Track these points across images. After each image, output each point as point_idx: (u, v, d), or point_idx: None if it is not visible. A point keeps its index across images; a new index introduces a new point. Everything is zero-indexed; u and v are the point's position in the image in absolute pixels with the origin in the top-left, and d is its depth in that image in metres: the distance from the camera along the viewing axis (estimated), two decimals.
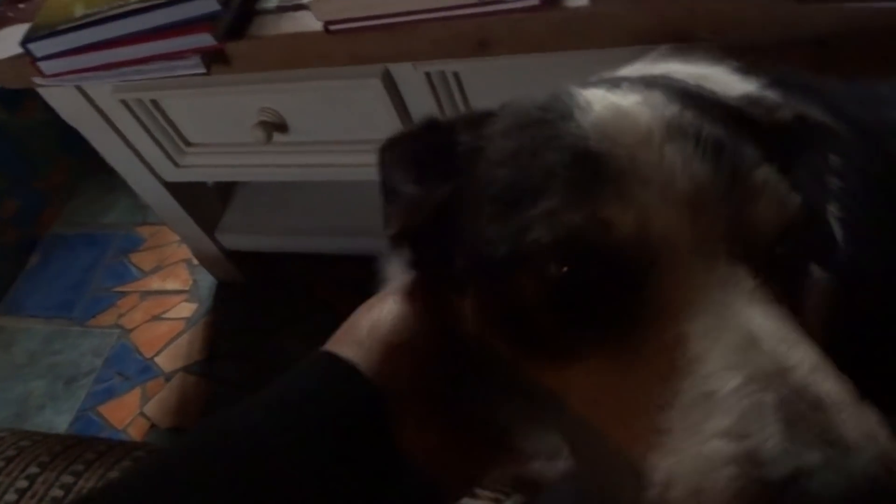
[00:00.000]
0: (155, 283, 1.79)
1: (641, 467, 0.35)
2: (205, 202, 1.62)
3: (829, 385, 0.33)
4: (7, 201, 1.95)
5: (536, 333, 0.40)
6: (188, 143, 1.38)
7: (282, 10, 1.06)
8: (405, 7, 0.95)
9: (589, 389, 0.39)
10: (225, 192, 1.68)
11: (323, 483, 0.41)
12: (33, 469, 0.86)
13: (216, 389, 1.56)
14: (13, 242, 1.95)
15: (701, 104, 0.43)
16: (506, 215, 0.41)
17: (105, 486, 0.42)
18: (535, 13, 0.91)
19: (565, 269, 0.38)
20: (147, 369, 1.65)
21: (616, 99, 0.42)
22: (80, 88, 1.28)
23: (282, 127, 1.25)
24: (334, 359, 0.45)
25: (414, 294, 0.48)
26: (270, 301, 1.65)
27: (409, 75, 1.09)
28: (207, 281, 1.74)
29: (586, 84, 0.46)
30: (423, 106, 1.13)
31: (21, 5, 1.22)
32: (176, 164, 1.41)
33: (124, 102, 1.29)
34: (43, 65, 1.14)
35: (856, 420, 0.32)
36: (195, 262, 1.75)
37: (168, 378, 1.62)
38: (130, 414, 1.59)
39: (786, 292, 0.38)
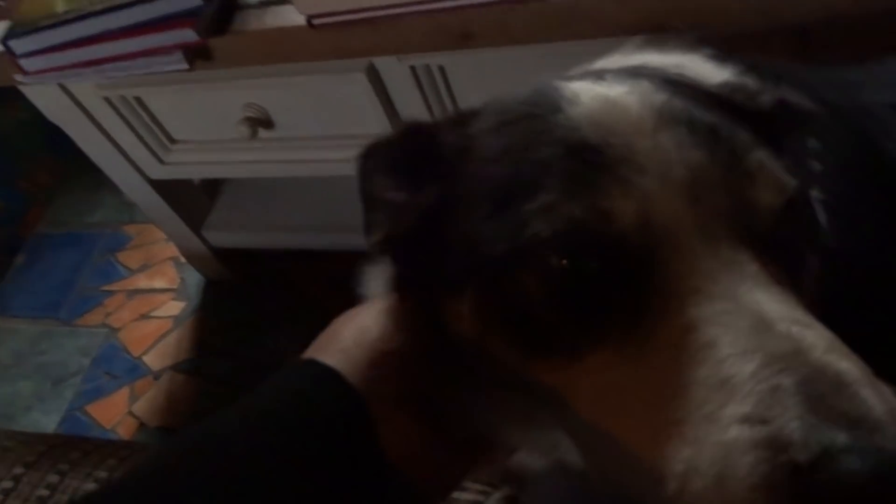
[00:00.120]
0: (142, 282, 1.78)
1: (658, 461, 0.34)
2: (191, 199, 1.61)
3: (846, 364, 0.33)
4: None
5: (540, 331, 0.40)
6: (173, 140, 1.37)
7: (264, 4, 1.06)
8: (388, 0, 0.95)
9: (597, 385, 0.38)
10: (211, 189, 1.67)
11: (307, 490, 0.41)
12: (18, 469, 0.85)
13: (205, 387, 1.56)
14: None
15: (687, 91, 0.43)
16: (502, 212, 0.40)
17: (83, 498, 0.42)
18: (517, 5, 0.91)
19: (567, 262, 0.38)
20: (135, 368, 1.64)
21: (604, 90, 0.42)
22: (62, 86, 1.27)
23: (267, 123, 1.24)
24: (317, 366, 0.45)
25: (399, 301, 0.47)
26: (258, 298, 1.64)
27: (394, 69, 1.09)
28: (195, 279, 1.73)
29: (567, 78, 0.46)
30: (408, 100, 1.13)
31: (1, 2, 1.21)
32: (161, 162, 1.40)
33: (108, 100, 1.28)
34: (24, 62, 1.13)
35: (877, 397, 0.32)
36: (182, 259, 1.74)
37: (156, 377, 1.61)
38: (119, 413, 1.58)
39: (787, 274, 0.38)
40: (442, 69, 1.08)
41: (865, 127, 0.56)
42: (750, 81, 0.47)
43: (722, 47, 0.51)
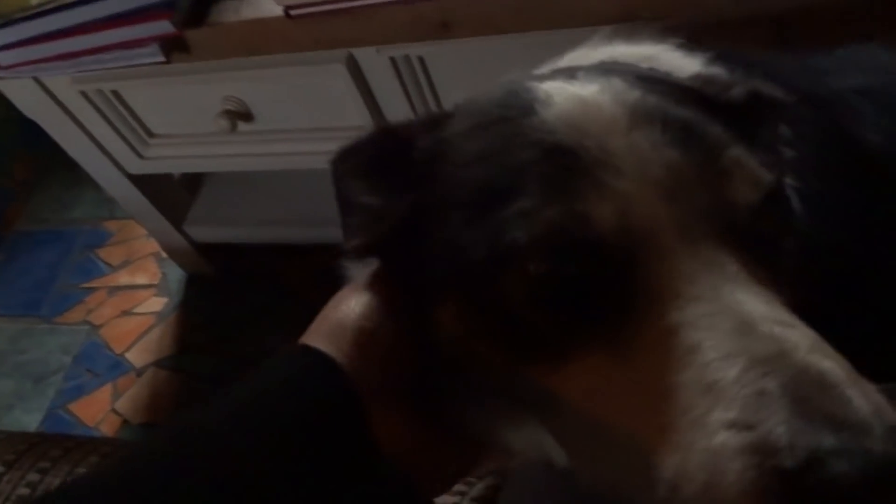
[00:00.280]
0: (123, 278, 1.77)
1: (648, 463, 0.34)
2: (171, 194, 1.59)
3: (829, 363, 0.33)
4: None
5: (524, 337, 0.39)
6: (152, 135, 1.36)
7: None
8: None
9: (585, 388, 0.38)
10: (192, 183, 1.66)
11: (297, 477, 0.40)
12: None
13: (188, 383, 1.55)
14: None
15: (660, 88, 0.42)
16: (479, 218, 0.40)
17: (67, 485, 0.41)
18: None
19: (547, 267, 0.37)
20: (118, 365, 1.63)
21: (576, 90, 0.42)
22: (37, 80, 1.25)
23: (247, 116, 1.23)
24: (308, 351, 0.44)
25: (381, 286, 0.47)
26: (241, 293, 1.63)
27: (374, 60, 1.08)
28: (177, 274, 1.72)
29: (538, 77, 0.46)
30: (388, 91, 1.12)
31: None
32: (140, 156, 1.39)
33: (84, 94, 1.27)
34: None
35: (863, 397, 0.32)
36: (164, 255, 1.73)
37: (139, 373, 1.60)
38: (102, 411, 1.57)
39: (767, 270, 0.38)
40: (422, 60, 1.07)
41: (835, 113, 0.57)
42: (721, 73, 0.47)
43: (695, 37, 0.51)
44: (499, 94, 0.45)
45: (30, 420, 1.59)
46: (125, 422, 1.54)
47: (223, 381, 0.43)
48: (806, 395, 0.31)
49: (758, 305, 0.35)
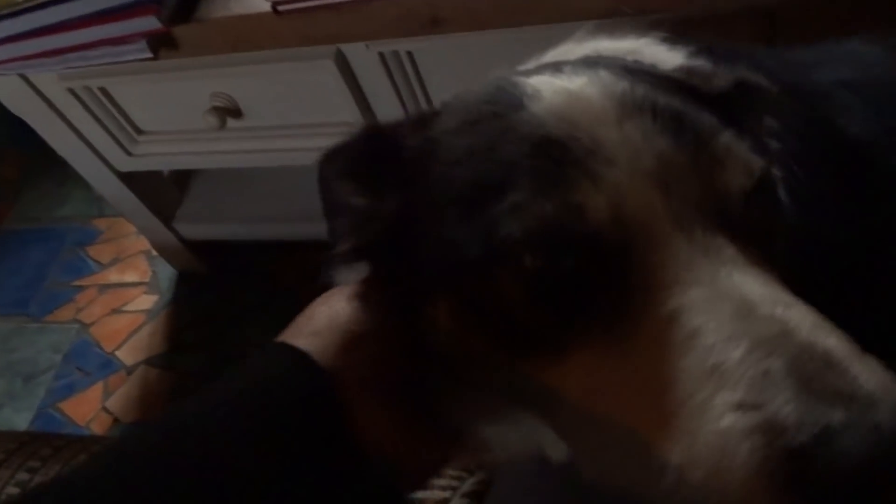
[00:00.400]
0: (113, 276, 1.76)
1: (653, 454, 0.34)
2: (161, 191, 1.59)
3: (833, 341, 0.33)
4: None
5: (521, 333, 0.39)
6: (140, 132, 1.35)
7: None
8: None
9: (585, 382, 0.38)
10: (181, 180, 1.65)
11: (279, 474, 0.40)
12: None
13: (179, 381, 1.54)
14: None
15: (647, 78, 0.42)
16: (472, 215, 0.39)
17: (50, 483, 0.41)
18: None
19: (542, 261, 0.37)
20: (108, 363, 1.62)
21: (563, 83, 0.42)
22: (24, 77, 1.24)
23: (236, 112, 1.23)
24: (289, 349, 0.44)
25: (371, 287, 0.47)
26: (231, 290, 1.63)
27: (363, 56, 1.08)
28: (167, 272, 1.71)
29: (523, 72, 0.46)
30: (377, 87, 1.12)
31: None
32: (128, 154, 1.38)
33: (72, 91, 1.26)
34: None
35: (868, 372, 0.32)
36: (154, 253, 1.72)
37: (130, 371, 1.59)
38: (92, 409, 1.56)
39: (762, 255, 0.38)
40: (411, 55, 1.07)
41: (819, 105, 0.57)
42: (705, 64, 0.47)
43: (680, 30, 0.52)
44: (486, 91, 0.44)
45: (20, 419, 1.58)
46: (116, 420, 1.53)
47: (214, 379, 0.43)
48: (811, 373, 0.31)
49: (757, 287, 0.35)
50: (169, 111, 1.28)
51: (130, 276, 1.75)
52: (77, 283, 1.77)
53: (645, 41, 0.51)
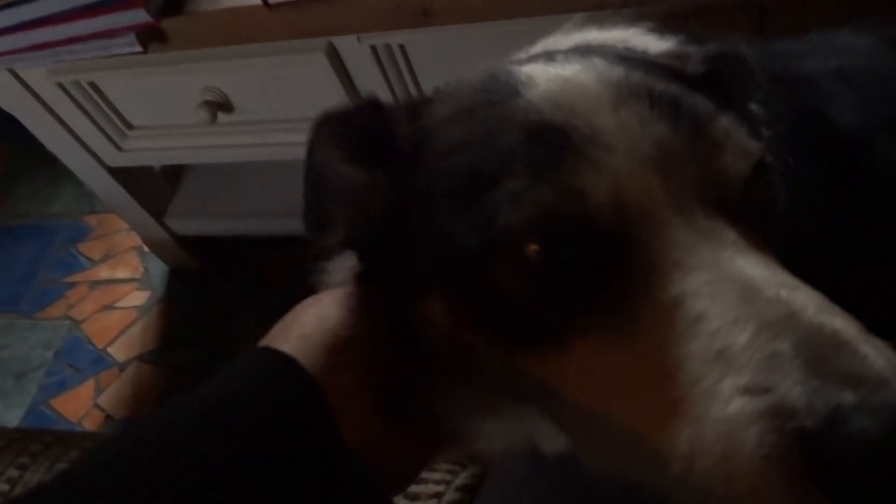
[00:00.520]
0: (105, 273, 1.75)
1: (660, 443, 0.33)
2: (152, 187, 1.58)
3: (840, 322, 0.32)
4: None
5: (522, 324, 0.38)
6: (130, 127, 1.34)
7: None
8: None
9: (588, 373, 0.37)
10: (173, 175, 1.64)
11: (266, 481, 0.39)
12: None
13: (171, 377, 1.54)
14: None
15: (640, 65, 0.42)
16: (468, 205, 0.39)
17: (32, 491, 0.40)
18: None
19: (543, 248, 0.37)
20: (100, 360, 1.61)
21: (558, 70, 0.41)
22: (12, 72, 1.23)
23: (227, 106, 1.22)
24: (272, 354, 0.43)
25: (360, 288, 0.46)
26: (223, 286, 1.62)
27: (355, 49, 1.07)
28: (159, 268, 1.71)
29: (516, 62, 0.45)
30: (369, 80, 1.12)
31: None
32: (119, 149, 1.37)
33: (61, 85, 1.25)
34: None
35: (876, 352, 0.31)
36: (145, 249, 1.71)
37: (122, 368, 1.58)
38: (84, 406, 1.55)
39: (762, 239, 0.38)
40: (403, 48, 1.06)
41: (808, 94, 0.57)
42: (689, 48, 0.47)
43: (669, 22, 0.51)
44: (479, 79, 0.44)
45: (11, 416, 1.58)
46: (108, 417, 1.52)
47: (206, 375, 0.42)
48: (819, 354, 0.31)
49: (760, 270, 0.34)
50: (159, 106, 1.27)
51: (122, 273, 1.74)
52: (68, 279, 1.77)
53: (633, 31, 0.51)
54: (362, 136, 0.45)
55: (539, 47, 0.53)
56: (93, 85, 1.26)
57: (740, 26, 0.90)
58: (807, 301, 0.33)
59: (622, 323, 0.36)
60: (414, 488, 0.72)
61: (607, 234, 0.36)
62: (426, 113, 0.44)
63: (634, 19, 0.52)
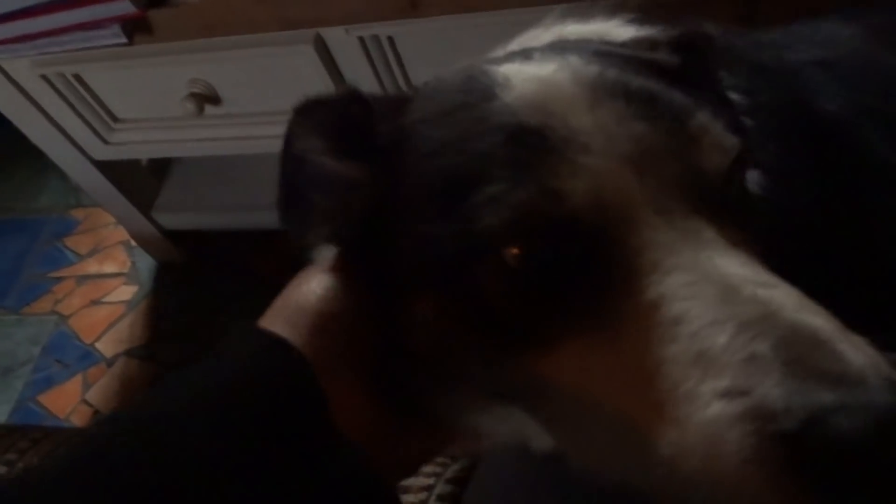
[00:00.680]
0: (92, 267, 1.74)
1: (645, 445, 0.33)
2: (139, 180, 1.57)
3: (818, 320, 0.32)
4: None
5: (507, 326, 0.38)
6: (116, 119, 1.33)
7: None
8: None
9: (574, 371, 0.37)
10: (160, 169, 1.63)
11: (255, 462, 0.39)
12: None
13: (159, 372, 1.53)
14: None
15: (616, 61, 0.42)
16: (448, 209, 0.39)
17: (18, 476, 0.39)
18: None
19: (523, 251, 0.37)
20: (87, 355, 1.60)
21: (534, 70, 0.41)
22: None
23: (214, 99, 1.21)
24: (263, 334, 0.43)
25: (343, 270, 0.46)
26: (212, 280, 1.61)
27: (342, 41, 1.07)
28: (146, 262, 1.69)
29: (493, 60, 0.45)
30: (358, 72, 1.11)
31: None
32: (105, 142, 1.36)
33: (45, 78, 1.23)
34: None
35: (855, 350, 0.31)
36: (133, 243, 1.70)
37: (110, 363, 1.58)
38: (72, 402, 1.54)
39: (741, 235, 0.38)
40: (391, 39, 1.06)
41: (791, 84, 0.57)
42: (656, 32, 0.47)
43: (651, 12, 0.51)
44: (458, 80, 0.44)
45: None
46: (96, 412, 1.51)
47: None
48: (798, 354, 0.31)
49: (738, 269, 0.34)
50: (145, 98, 1.26)
51: (109, 267, 1.73)
52: (55, 274, 1.75)
53: (613, 23, 0.51)
54: (343, 127, 0.44)
55: (516, 43, 0.52)
56: (78, 77, 1.24)
57: (727, 15, 0.90)
58: (785, 299, 0.33)
59: (604, 324, 0.36)
60: (404, 481, 0.72)
61: (586, 235, 0.37)
62: (406, 111, 0.44)
63: (616, 10, 0.52)
